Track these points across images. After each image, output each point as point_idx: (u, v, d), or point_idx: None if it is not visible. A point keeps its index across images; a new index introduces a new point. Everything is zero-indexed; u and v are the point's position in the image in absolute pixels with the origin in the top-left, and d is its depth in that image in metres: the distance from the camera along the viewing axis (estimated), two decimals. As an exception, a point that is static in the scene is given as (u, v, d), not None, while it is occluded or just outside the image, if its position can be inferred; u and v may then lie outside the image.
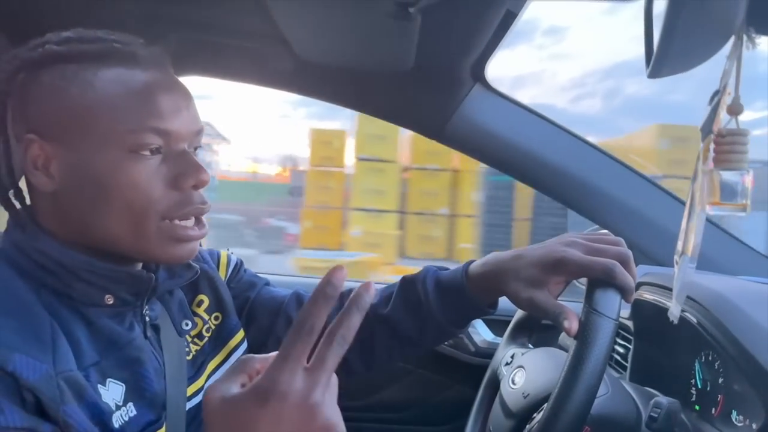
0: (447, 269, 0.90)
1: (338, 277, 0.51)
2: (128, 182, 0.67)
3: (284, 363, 0.51)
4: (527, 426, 0.80)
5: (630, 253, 0.74)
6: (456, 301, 0.86)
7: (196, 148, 0.75)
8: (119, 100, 0.68)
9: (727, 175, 0.59)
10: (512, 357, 0.95)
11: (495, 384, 0.97)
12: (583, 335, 0.67)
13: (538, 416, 0.78)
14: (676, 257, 0.68)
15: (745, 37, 0.57)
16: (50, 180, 0.69)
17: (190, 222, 0.72)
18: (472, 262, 0.86)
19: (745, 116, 0.59)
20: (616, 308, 0.69)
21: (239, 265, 0.98)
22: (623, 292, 0.70)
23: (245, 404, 0.51)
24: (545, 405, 0.68)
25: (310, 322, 0.51)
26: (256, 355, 0.55)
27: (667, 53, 0.55)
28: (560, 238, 0.79)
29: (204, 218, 0.74)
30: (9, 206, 0.73)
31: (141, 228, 0.69)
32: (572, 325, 0.69)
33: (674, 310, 0.72)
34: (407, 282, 0.90)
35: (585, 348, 0.66)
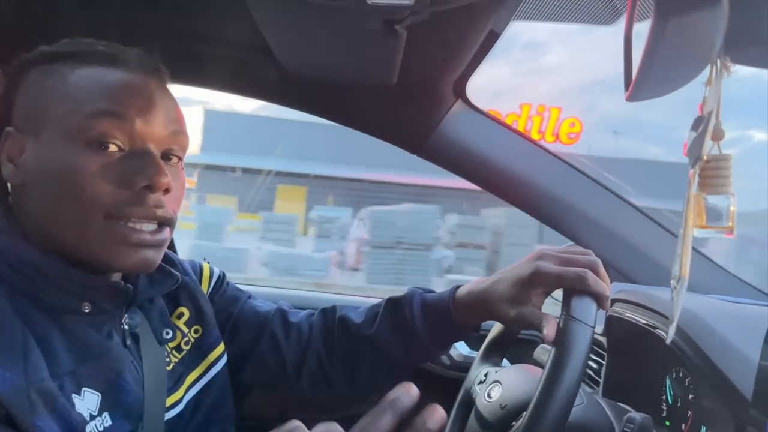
0: (433, 291, 0.92)
1: (407, 398, 0.51)
2: (77, 174, 0.65)
3: None
4: None
5: (599, 260, 0.77)
6: (441, 324, 0.87)
7: (171, 156, 0.73)
8: (87, 92, 0.67)
9: (713, 199, 0.61)
10: (486, 375, 0.96)
11: (468, 404, 0.98)
12: (561, 341, 0.69)
13: (516, 424, 0.78)
14: (673, 282, 0.70)
15: (720, 64, 0.59)
16: (17, 173, 0.69)
17: (145, 226, 0.69)
18: (458, 287, 0.88)
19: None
20: (592, 315, 0.71)
21: (222, 278, 0.97)
22: (597, 298, 0.73)
23: None
24: (524, 413, 0.69)
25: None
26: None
27: (647, 77, 0.57)
28: (532, 253, 0.82)
29: (164, 225, 0.72)
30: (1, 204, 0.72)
31: (84, 226, 0.66)
32: (549, 331, 0.71)
33: (672, 332, 0.74)
34: (393, 303, 0.91)
35: (563, 353, 0.67)
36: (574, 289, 0.73)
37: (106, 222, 0.67)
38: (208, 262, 0.98)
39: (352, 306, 0.97)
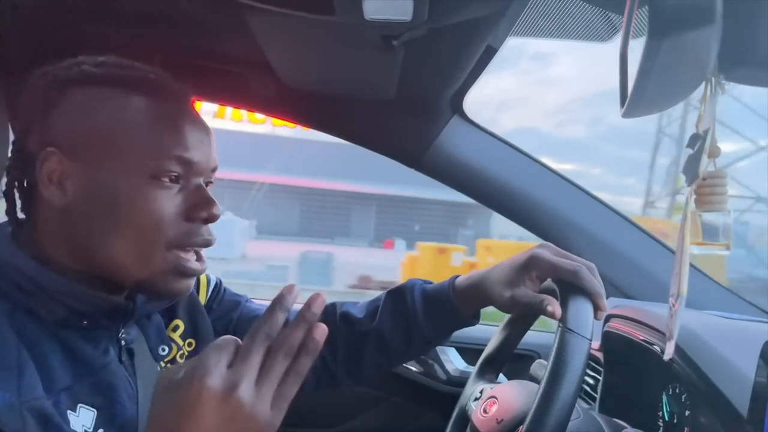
0: (432, 282, 0.94)
1: (291, 296, 0.56)
2: (145, 207, 0.68)
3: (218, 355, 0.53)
4: None
5: (593, 265, 0.79)
6: (442, 312, 0.89)
7: (208, 184, 0.76)
8: (148, 127, 0.69)
9: (710, 216, 0.62)
10: (481, 392, 0.96)
11: (464, 421, 0.97)
12: (558, 353, 0.69)
13: None
14: (671, 299, 0.70)
15: (714, 82, 0.60)
16: (63, 195, 0.69)
17: (192, 255, 0.73)
18: (457, 276, 0.91)
19: (728, 147, 0.61)
20: (588, 327, 0.72)
21: (219, 285, 0.97)
22: (592, 296, 0.74)
23: (179, 384, 0.53)
24: (521, 427, 0.69)
25: (264, 330, 0.55)
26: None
27: (642, 94, 0.57)
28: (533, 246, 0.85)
29: (203, 253, 0.75)
30: (15, 218, 0.72)
31: (146, 255, 0.69)
32: (555, 309, 0.73)
33: (670, 349, 0.74)
34: (394, 294, 0.93)
35: (560, 365, 0.68)
36: (569, 288, 0.75)
37: (166, 253, 0.70)
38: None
39: (351, 302, 0.99)
